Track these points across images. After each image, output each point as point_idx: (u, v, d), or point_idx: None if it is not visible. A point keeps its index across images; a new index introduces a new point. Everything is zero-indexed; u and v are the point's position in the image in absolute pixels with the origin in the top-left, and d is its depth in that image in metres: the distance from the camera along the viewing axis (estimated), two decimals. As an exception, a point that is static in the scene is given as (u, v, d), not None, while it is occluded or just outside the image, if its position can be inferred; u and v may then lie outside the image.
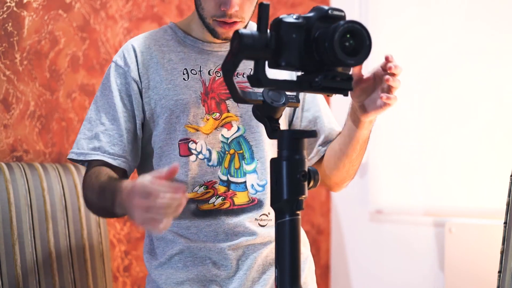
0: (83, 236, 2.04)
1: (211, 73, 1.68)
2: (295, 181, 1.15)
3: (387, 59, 1.47)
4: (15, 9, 2.04)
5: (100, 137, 1.65)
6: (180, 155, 1.64)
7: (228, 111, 1.66)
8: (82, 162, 1.69)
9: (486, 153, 2.57)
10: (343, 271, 3.04)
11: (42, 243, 1.90)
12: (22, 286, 1.83)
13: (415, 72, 2.82)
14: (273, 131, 1.28)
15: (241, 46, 1.11)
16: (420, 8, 2.81)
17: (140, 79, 1.67)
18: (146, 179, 1.30)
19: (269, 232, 1.67)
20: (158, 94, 1.65)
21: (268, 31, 1.14)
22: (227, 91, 1.60)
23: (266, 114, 1.30)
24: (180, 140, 1.65)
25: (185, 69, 1.67)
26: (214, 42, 1.70)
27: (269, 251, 1.68)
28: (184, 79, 1.66)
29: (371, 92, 1.52)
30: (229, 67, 1.17)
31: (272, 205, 1.16)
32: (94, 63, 2.30)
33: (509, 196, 1.90)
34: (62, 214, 1.98)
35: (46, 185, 1.95)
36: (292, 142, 1.15)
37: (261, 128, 1.67)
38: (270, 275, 1.67)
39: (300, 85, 1.15)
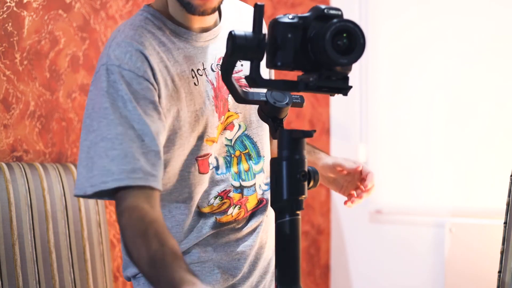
0: (83, 236, 2.04)
1: (214, 68, 1.51)
2: (295, 181, 1.15)
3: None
4: (15, 9, 2.04)
5: (136, 156, 1.33)
6: (199, 172, 1.48)
7: (229, 110, 1.53)
8: (110, 194, 1.35)
9: (486, 153, 2.58)
10: (343, 271, 3.04)
11: (42, 243, 1.90)
12: (22, 286, 1.83)
13: (415, 73, 2.82)
14: (276, 131, 1.28)
15: (234, 47, 1.11)
16: (420, 8, 2.82)
17: (157, 86, 1.40)
18: None
19: (266, 232, 1.62)
20: (177, 106, 1.43)
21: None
22: None
23: (270, 115, 1.30)
24: (199, 156, 1.47)
25: (192, 69, 1.47)
26: (203, 28, 1.52)
27: (266, 252, 1.62)
28: (195, 83, 1.46)
29: (341, 178, 1.68)
30: (226, 68, 1.17)
31: (272, 205, 1.17)
32: (94, 63, 2.30)
33: (509, 196, 1.90)
34: (62, 214, 1.98)
35: (46, 185, 1.95)
36: (292, 142, 1.16)
37: (262, 122, 1.54)
38: (269, 278, 1.64)
39: (296, 85, 1.15)
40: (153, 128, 1.36)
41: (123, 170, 1.31)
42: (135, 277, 1.58)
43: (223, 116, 1.51)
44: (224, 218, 1.53)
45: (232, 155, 1.53)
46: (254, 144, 1.57)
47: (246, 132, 1.56)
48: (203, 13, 1.44)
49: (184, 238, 1.52)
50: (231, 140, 1.54)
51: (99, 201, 2.12)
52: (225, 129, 1.52)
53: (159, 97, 1.40)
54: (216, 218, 1.53)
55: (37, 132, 2.11)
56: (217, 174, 1.52)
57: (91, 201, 2.08)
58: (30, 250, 1.86)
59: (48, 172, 1.98)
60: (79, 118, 2.24)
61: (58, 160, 2.17)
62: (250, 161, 1.56)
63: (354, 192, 1.64)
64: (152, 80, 1.39)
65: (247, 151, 1.56)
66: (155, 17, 1.48)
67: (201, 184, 1.49)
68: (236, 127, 1.54)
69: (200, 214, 1.52)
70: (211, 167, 1.50)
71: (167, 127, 1.42)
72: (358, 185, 1.64)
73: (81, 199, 2.04)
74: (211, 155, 1.50)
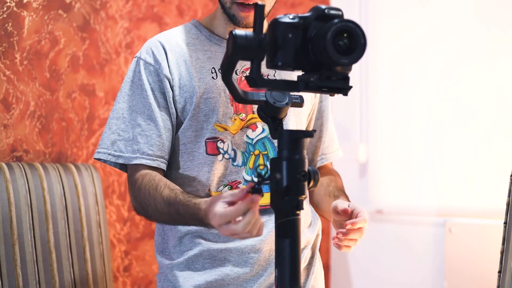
0: (83, 236, 2.04)
1: (238, 73, 1.67)
2: (295, 181, 1.15)
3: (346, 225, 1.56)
4: (15, 9, 2.04)
5: (138, 138, 1.63)
6: (207, 153, 1.64)
7: (253, 112, 1.66)
8: (119, 165, 1.67)
9: (486, 153, 2.57)
10: (343, 271, 3.04)
11: (42, 243, 1.90)
12: (22, 286, 1.83)
13: (415, 72, 2.82)
14: (276, 131, 1.28)
15: (235, 46, 1.11)
16: (420, 8, 2.81)
17: (171, 76, 1.64)
18: (219, 209, 1.30)
19: None
20: (189, 92, 1.64)
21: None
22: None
23: (270, 115, 1.31)
24: (207, 139, 1.64)
25: (213, 68, 1.66)
26: None
27: None
28: (213, 77, 1.65)
29: (340, 219, 1.60)
30: (226, 68, 1.17)
31: (272, 205, 1.16)
32: (94, 63, 2.30)
33: (509, 196, 1.90)
34: (62, 214, 1.98)
35: (46, 185, 1.95)
36: (292, 142, 1.15)
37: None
38: None
39: (296, 85, 1.15)
40: (160, 115, 1.64)
41: (130, 151, 1.62)
42: (159, 273, 1.71)
43: (243, 114, 1.65)
44: None
45: (251, 153, 1.66)
46: (275, 148, 1.66)
47: (269, 136, 1.67)
48: (247, 26, 1.63)
49: None
50: (252, 139, 1.66)
51: (99, 201, 2.12)
52: (247, 127, 1.66)
53: (173, 86, 1.64)
54: None
55: (37, 132, 2.11)
56: (233, 165, 1.65)
57: (91, 201, 2.08)
58: (30, 250, 1.86)
59: (48, 172, 1.98)
60: (79, 118, 2.24)
61: (58, 160, 2.17)
62: (267, 162, 1.66)
63: (341, 230, 1.55)
64: (166, 71, 1.64)
65: (266, 152, 1.67)
66: (195, 26, 1.73)
67: (209, 165, 1.64)
68: (260, 129, 1.66)
69: (209, 197, 1.59)
70: (227, 157, 1.64)
71: (177, 111, 1.65)
72: (345, 224, 1.53)
73: (81, 199, 2.04)
74: (223, 141, 1.64)
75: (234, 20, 1.64)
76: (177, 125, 1.66)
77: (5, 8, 2.01)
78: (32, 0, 2.09)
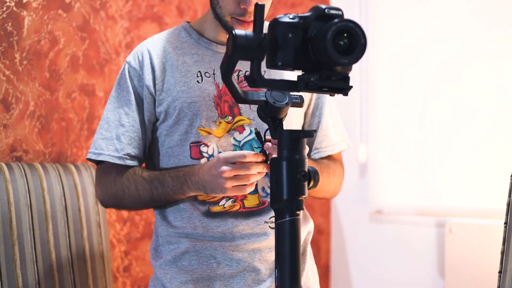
0: (83, 236, 2.04)
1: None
2: (295, 181, 1.15)
3: None
4: (15, 9, 2.04)
5: (121, 138, 1.68)
6: (191, 158, 1.65)
7: (240, 114, 1.66)
8: (100, 162, 1.72)
9: (486, 153, 2.57)
10: (343, 271, 3.04)
11: (42, 243, 1.90)
12: (22, 286, 1.83)
13: (415, 73, 2.82)
14: (276, 131, 1.28)
15: (235, 46, 1.11)
16: (420, 8, 2.82)
17: (154, 82, 1.68)
18: (226, 153, 1.50)
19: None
20: (172, 96, 1.67)
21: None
22: None
23: (270, 115, 1.31)
24: (192, 143, 1.66)
25: (199, 71, 1.68)
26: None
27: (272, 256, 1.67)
28: (198, 81, 1.67)
29: None
30: (226, 68, 1.17)
31: (272, 205, 1.16)
32: (94, 63, 2.30)
33: (509, 196, 1.90)
34: (62, 214, 1.97)
35: (46, 185, 1.95)
36: (292, 142, 1.15)
37: None
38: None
39: (297, 85, 1.15)
40: (140, 117, 1.69)
41: (112, 150, 1.68)
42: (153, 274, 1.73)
43: (229, 117, 1.66)
44: (215, 208, 1.65)
45: None
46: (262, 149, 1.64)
47: (256, 138, 1.64)
48: None
49: (180, 220, 1.67)
50: (240, 141, 1.66)
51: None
52: (234, 130, 1.66)
53: (156, 89, 1.69)
54: (208, 206, 1.65)
55: (36, 132, 2.10)
56: None
57: (91, 201, 2.08)
58: (30, 250, 1.86)
59: (48, 172, 1.98)
60: (79, 118, 2.24)
61: (58, 160, 2.17)
62: None
63: None
64: (148, 77, 1.68)
65: None
66: (185, 29, 1.76)
67: None
68: (247, 131, 1.66)
69: (196, 200, 1.67)
70: (207, 156, 1.65)
71: (160, 115, 1.69)
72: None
73: (81, 199, 2.04)
74: (207, 145, 1.65)
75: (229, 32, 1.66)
76: (161, 129, 1.70)
77: (4, 8, 2.01)
78: (32, 0, 2.08)
